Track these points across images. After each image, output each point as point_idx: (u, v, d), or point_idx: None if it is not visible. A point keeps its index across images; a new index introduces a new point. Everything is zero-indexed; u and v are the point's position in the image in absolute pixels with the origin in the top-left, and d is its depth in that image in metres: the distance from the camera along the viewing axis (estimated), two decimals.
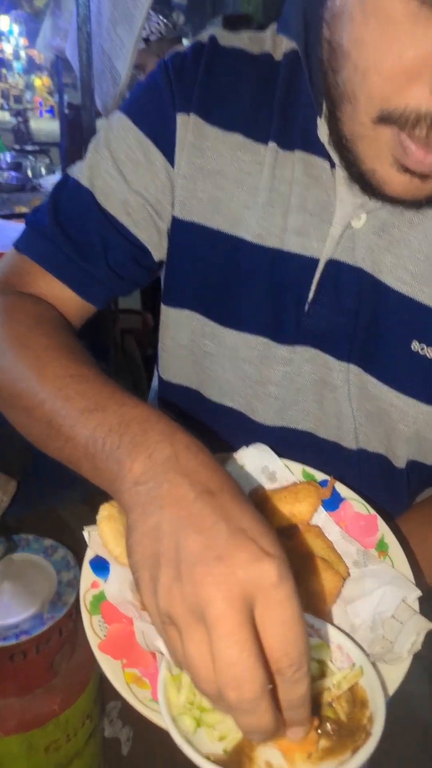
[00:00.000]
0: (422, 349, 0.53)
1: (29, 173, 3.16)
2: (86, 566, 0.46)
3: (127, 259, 0.61)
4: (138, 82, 1.22)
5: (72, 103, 3.85)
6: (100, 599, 0.44)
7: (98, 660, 0.39)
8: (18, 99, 16.16)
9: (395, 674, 0.39)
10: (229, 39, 0.57)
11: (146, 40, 2.18)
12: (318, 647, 0.40)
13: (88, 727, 1.48)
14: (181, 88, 0.53)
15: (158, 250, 0.62)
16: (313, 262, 0.54)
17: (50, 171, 3.30)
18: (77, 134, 4.45)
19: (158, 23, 2.10)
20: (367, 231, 0.52)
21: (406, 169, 0.43)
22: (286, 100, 0.52)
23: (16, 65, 18.27)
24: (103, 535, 0.47)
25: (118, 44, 1.43)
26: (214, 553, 0.34)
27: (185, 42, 2.29)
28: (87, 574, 0.46)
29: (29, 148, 4.29)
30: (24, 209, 2.42)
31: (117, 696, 1.18)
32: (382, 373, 0.55)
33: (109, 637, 0.41)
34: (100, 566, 0.46)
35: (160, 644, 0.38)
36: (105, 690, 1.78)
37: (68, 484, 1.96)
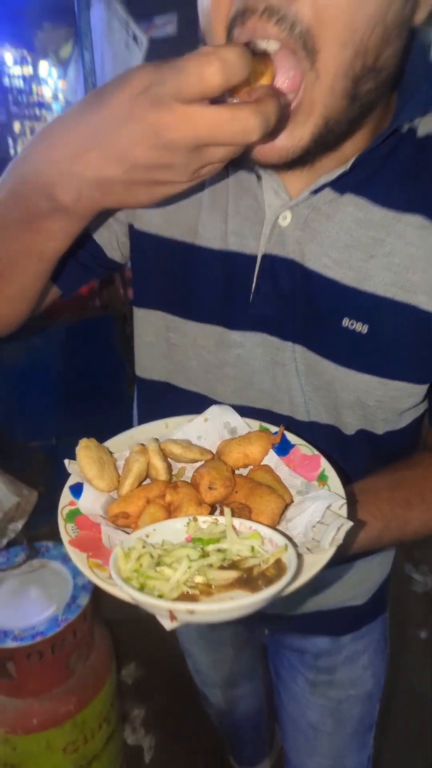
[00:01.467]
0: (352, 324, 0.59)
1: None
2: (66, 489, 0.55)
3: (84, 250, 0.70)
4: None
5: None
6: (75, 514, 0.52)
7: (68, 552, 0.48)
8: None
9: (317, 560, 0.46)
10: None
11: None
12: (252, 536, 0.47)
13: (105, 730, 1.54)
14: None
15: (112, 251, 0.71)
16: (252, 258, 0.62)
17: None
18: None
19: None
20: (293, 227, 0.59)
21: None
22: None
23: (55, 106, 19.22)
24: (80, 461, 0.55)
25: None
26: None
27: None
28: (66, 495, 0.54)
29: None
30: None
31: (141, 704, 1.29)
32: (322, 349, 0.61)
33: (78, 537, 0.49)
34: (78, 490, 0.54)
35: (119, 540, 0.47)
36: (128, 698, 1.84)
37: None
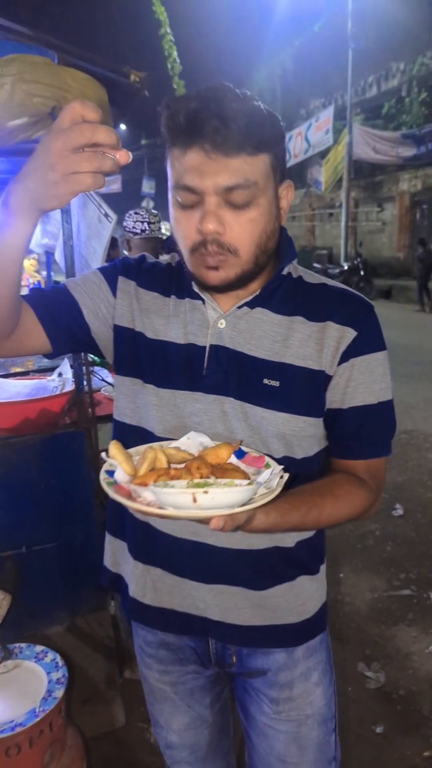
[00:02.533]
0: (269, 381, 0.92)
1: None
2: (102, 472, 0.81)
3: (69, 314, 0.97)
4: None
5: (56, 281, 4.53)
6: (111, 484, 0.79)
7: (112, 496, 0.75)
8: None
9: (271, 492, 0.77)
10: (152, 259, 1.06)
11: (143, 231, 2.92)
12: (230, 483, 0.76)
13: None
14: (125, 270, 1.01)
15: (96, 332, 1.00)
16: (203, 348, 0.94)
17: None
18: None
19: (145, 226, 2.87)
20: (227, 328, 0.94)
21: (208, 267, 0.86)
22: (178, 280, 0.99)
23: None
24: (113, 454, 0.83)
25: (92, 251, 1.98)
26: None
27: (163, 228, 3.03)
28: (104, 475, 0.81)
29: None
30: (18, 369, 2.87)
31: None
32: (252, 399, 0.92)
33: (116, 488, 0.78)
34: (110, 472, 0.82)
35: (141, 492, 0.75)
36: None
37: (55, 606, 2.13)
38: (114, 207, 2.03)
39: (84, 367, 2.03)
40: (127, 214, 3.05)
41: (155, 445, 0.88)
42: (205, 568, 0.98)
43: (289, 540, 0.99)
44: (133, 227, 2.96)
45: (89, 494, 2.11)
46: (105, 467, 0.83)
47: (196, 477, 0.77)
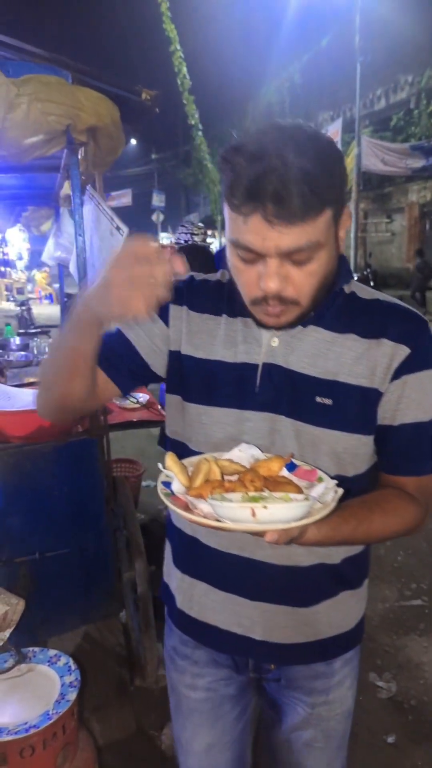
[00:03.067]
0: (321, 400, 0.91)
1: (35, 351, 3.75)
2: (160, 483, 0.83)
3: (130, 361, 1.01)
4: None
5: (69, 293, 4.61)
6: (168, 495, 0.81)
7: (170, 507, 0.78)
8: (20, 291, 18.13)
9: (326, 507, 0.77)
10: (200, 276, 1.06)
11: (186, 242, 3.03)
12: (285, 497, 0.78)
13: None
14: (175, 297, 1.00)
15: (156, 366, 1.02)
16: (256, 366, 0.94)
17: None
18: None
19: (188, 237, 2.99)
20: (280, 346, 0.93)
21: (269, 315, 0.87)
22: (229, 297, 0.98)
23: (19, 264, 20.63)
24: (169, 463, 0.85)
25: (105, 263, 2.03)
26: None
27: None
28: (161, 487, 0.83)
29: (33, 330, 4.98)
30: (32, 379, 2.88)
31: None
32: (304, 417, 0.92)
33: (173, 499, 0.80)
34: (166, 484, 0.84)
35: (197, 504, 0.77)
36: None
37: (67, 612, 2.16)
38: (125, 220, 2.09)
39: None
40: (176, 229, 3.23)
41: (209, 456, 0.89)
42: (252, 584, 0.98)
43: (336, 556, 0.99)
44: (178, 239, 3.09)
45: (101, 501, 2.14)
46: (161, 478, 0.85)
47: (251, 490, 0.79)
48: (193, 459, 0.91)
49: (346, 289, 0.97)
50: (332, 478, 0.89)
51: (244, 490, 0.79)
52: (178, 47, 15.41)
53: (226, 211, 0.84)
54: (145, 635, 2.06)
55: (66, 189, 3.06)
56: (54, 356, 0.99)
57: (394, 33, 14.14)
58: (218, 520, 0.73)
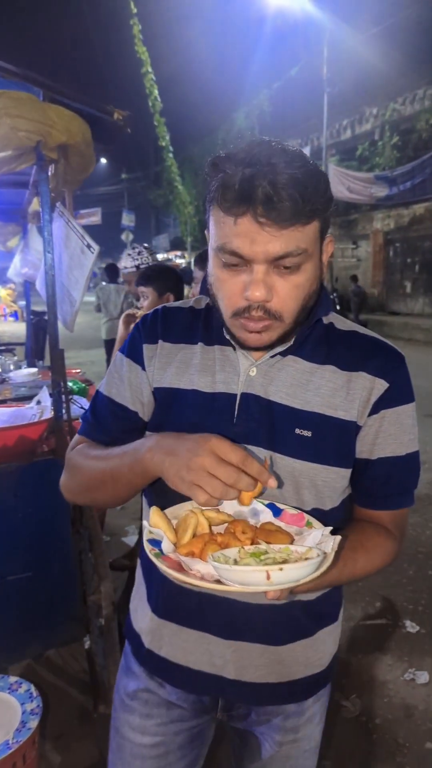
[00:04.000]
0: (300, 431, 0.89)
1: (0, 369, 3.68)
2: (146, 542, 0.80)
3: (127, 421, 1.00)
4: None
5: (35, 310, 4.56)
6: (158, 555, 0.77)
7: (158, 566, 0.75)
8: None
9: (328, 558, 0.75)
10: (171, 305, 1.05)
11: (137, 267, 3.02)
12: (285, 550, 0.76)
13: None
14: (147, 335, 1.00)
15: (144, 413, 1.01)
16: (234, 396, 0.92)
17: (18, 366, 3.80)
18: (40, 335, 5.13)
19: (148, 258, 2.99)
20: (258, 376, 0.92)
21: (250, 331, 0.85)
22: (205, 325, 0.98)
23: None
24: (154, 520, 0.82)
25: (74, 281, 2.01)
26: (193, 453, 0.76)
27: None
28: (149, 546, 0.79)
29: None
30: None
31: None
32: (283, 449, 0.90)
33: (164, 559, 0.77)
34: (153, 542, 0.80)
35: (192, 565, 0.75)
36: None
37: (28, 637, 2.09)
38: (94, 238, 2.09)
39: (63, 396, 2.04)
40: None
41: (194, 507, 0.86)
42: (226, 622, 0.95)
43: (312, 594, 0.97)
44: (125, 266, 3.10)
45: (66, 524, 2.10)
46: (147, 536, 0.81)
47: (246, 543, 0.77)
48: (178, 511, 0.88)
49: (324, 319, 0.97)
50: (309, 511, 0.90)
51: (239, 543, 0.77)
52: (150, 69, 15.67)
53: (213, 218, 0.84)
54: (110, 659, 2.00)
55: (35, 205, 3.04)
56: (100, 471, 0.95)
57: (361, 66, 14.70)
58: (218, 581, 0.71)
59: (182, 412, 0.95)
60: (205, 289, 0.95)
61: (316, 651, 1.01)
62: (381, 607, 2.89)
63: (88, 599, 2.20)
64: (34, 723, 1.37)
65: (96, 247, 1.90)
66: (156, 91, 16.04)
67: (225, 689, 0.98)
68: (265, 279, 0.81)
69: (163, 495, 0.92)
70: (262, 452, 0.91)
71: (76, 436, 1.06)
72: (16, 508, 1.97)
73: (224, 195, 0.79)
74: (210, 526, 0.82)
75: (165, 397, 0.97)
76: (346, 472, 0.93)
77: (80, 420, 1.07)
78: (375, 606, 2.90)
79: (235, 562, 0.72)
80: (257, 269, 0.80)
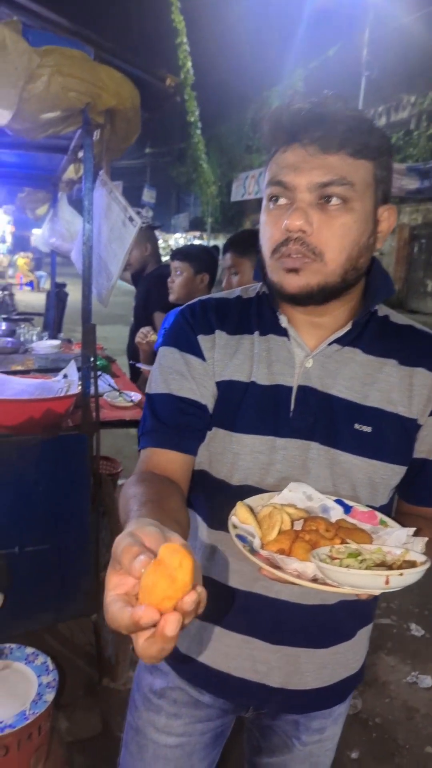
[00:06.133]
0: (360, 427, 0.86)
1: (21, 338, 3.63)
2: (236, 539, 0.74)
3: (197, 418, 0.91)
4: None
5: (57, 282, 4.51)
6: (251, 552, 0.72)
7: (253, 563, 0.70)
8: (2, 275, 17.71)
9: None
10: (215, 296, 0.98)
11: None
12: (377, 551, 0.72)
13: None
14: (200, 327, 0.92)
15: (211, 407, 0.92)
16: (290, 388, 0.88)
17: (40, 338, 3.77)
18: (60, 307, 5.08)
19: (146, 216, 2.91)
20: (315, 368, 0.87)
21: (287, 270, 0.80)
22: (258, 314, 0.93)
23: (2, 247, 20.17)
24: (243, 516, 0.78)
25: (112, 254, 1.95)
26: None
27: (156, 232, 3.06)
28: (240, 543, 0.73)
29: (15, 317, 4.85)
30: (19, 367, 2.73)
31: None
32: (340, 445, 0.86)
33: (257, 556, 0.71)
34: (241, 537, 0.75)
35: (288, 563, 0.70)
36: None
37: (41, 608, 2.10)
38: None
39: (91, 371, 2.01)
40: None
41: (275, 503, 0.82)
42: (273, 626, 0.92)
43: None
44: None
45: (85, 500, 2.08)
46: (233, 531, 0.77)
47: (336, 542, 0.74)
48: (257, 503, 0.84)
49: (379, 311, 0.92)
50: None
51: (328, 542, 0.74)
52: (185, 40, 15.30)
53: (268, 166, 0.84)
54: (118, 635, 2.01)
55: (69, 173, 2.97)
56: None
57: (402, 51, 14.24)
58: (314, 580, 0.68)
59: (241, 406, 0.89)
60: (260, 275, 0.90)
61: (355, 653, 0.99)
62: (386, 608, 2.87)
63: (100, 575, 2.20)
64: (50, 696, 1.37)
65: (138, 221, 1.84)
66: (189, 63, 15.69)
67: (268, 698, 0.95)
68: (307, 209, 0.78)
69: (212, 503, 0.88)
70: (318, 448, 0.87)
71: (144, 453, 0.91)
72: (37, 480, 1.95)
73: (275, 128, 0.80)
74: (292, 522, 0.79)
75: (226, 390, 0.91)
76: (402, 470, 0.90)
77: (138, 436, 0.93)
78: (380, 606, 2.88)
79: (327, 559, 0.70)
80: (299, 198, 0.78)
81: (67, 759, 1.47)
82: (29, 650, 1.53)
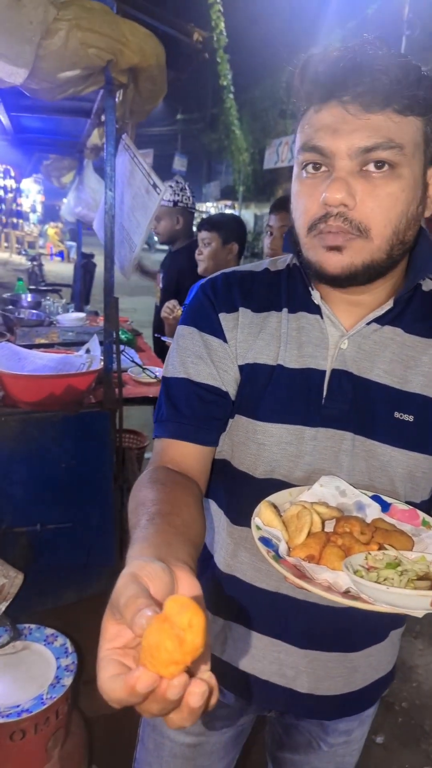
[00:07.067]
0: (401, 416, 0.77)
1: (47, 310, 3.60)
2: (260, 543, 0.67)
3: (217, 406, 0.83)
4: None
5: (84, 252, 4.45)
6: (276, 558, 0.65)
7: (279, 572, 0.62)
8: (32, 245, 17.78)
9: None
10: (239, 269, 0.88)
11: (175, 203, 2.81)
12: (420, 560, 0.64)
13: None
14: (222, 304, 0.83)
15: (233, 394, 0.84)
16: (323, 372, 0.79)
17: (66, 310, 3.72)
18: (87, 278, 5.03)
19: (189, 198, 2.78)
20: (351, 350, 0.79)
21: (328, 248, 0.70)
22: (288, 288, 0.83)
23: (32, 217, 20.17)
24: (267, 517, 0.70)
25: (135, 224, 1.85)
26: None
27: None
28: (264, 547, 0.66)
29: (44, 288, 4.82)
30: (43, 341, 2.65)
31: None
32: (378, 436, 0.78)
33: (282, 563, 0.63)
34: (265, 541, 0.67)
35: (318, 573, 0.63)
36: None
37: (64, 585, 2.09)
38: None
39: (114, 346, 1.94)
40: None
41: (305, 502, 0.74)
42: (302, 629, 0.85)
43: None
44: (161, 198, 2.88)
45: (108, 477, 2.05)
46: (257, 533, 0.69)
47: (371, 547, 0.66)
48: (283, 502, 0.76)
49: (424, 285, 0.81)
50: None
51: (363, 547, 0.65)
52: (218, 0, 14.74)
53: (300, 125, 0.73)
54: None
55: (93, 138, 2.87)
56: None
57: None
58: (347, 591, 0.60)
59: (267, 392, 0.81)
60: (289, 245, 0.80)
61: (387, 654, 0.92)
62: None
63: (124, 554, 2.18)
64: (68, 680, 1.34)
65: (163, 188, 1.74)
66: (222, 24, 15.13)
67: (295, 704, 0.89)
68: (348, 179, 0.67)
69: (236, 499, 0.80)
70: (352, 439, 0.78)
71: (159, 444, 0.85)
72: (59, 457, 1.92)
73: (308, 81, 0.69)
74: (323, 522, 0.71)
75: (249, 374, 0.82)
76: None
77: (154, 422, 0.86)
78: None
79: (362, 570, 0.62)
80: (339, 166, 0.68)
81: (86, 739, 1.46)
82: (48, 631, 1.50)
